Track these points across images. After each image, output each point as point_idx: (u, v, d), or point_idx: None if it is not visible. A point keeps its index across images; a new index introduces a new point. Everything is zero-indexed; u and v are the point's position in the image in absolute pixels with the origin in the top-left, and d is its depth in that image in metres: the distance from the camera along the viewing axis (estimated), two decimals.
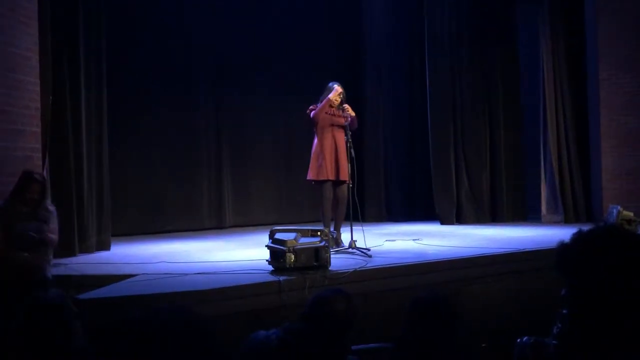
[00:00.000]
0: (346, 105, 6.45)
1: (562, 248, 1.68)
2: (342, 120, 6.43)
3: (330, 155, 6.38)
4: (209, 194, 9.15)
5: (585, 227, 1.70)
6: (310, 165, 6.48)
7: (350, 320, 2.75)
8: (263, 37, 9.48)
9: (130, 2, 8.42)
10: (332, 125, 6.45)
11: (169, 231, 8.57)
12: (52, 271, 5.25)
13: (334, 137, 6.42)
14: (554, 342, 1.73)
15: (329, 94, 6.45)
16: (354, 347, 2.84)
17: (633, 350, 1.56)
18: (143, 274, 5.14)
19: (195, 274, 5.10)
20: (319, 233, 5.14)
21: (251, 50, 9.39)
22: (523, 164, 9.73)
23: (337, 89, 6.47)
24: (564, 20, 9.14)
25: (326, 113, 6.44)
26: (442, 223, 9.27)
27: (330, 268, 5.07)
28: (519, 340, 1.86)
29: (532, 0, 9.54)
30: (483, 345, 3.08)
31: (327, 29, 10.10)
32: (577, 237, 1.67)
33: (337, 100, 6.44)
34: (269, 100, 9.56)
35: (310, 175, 6.46)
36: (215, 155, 9.19)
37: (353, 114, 6.44)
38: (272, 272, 5.01)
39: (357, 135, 10.12)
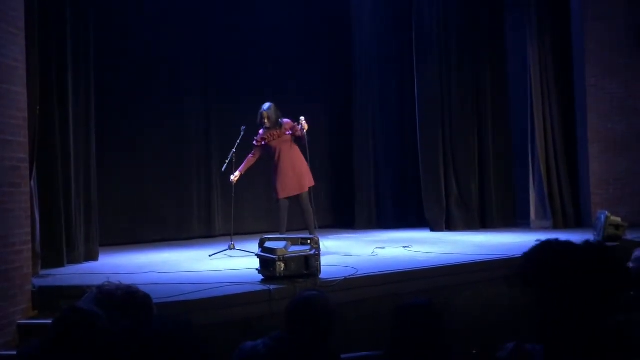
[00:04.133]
0: (302, 119, 6.89)
1: (524, 262, 1.75)
2: (284, 138, 6.96)
3: (275, 174, 6.99)
4: (199, 202, 9.12)
5: (538, 239, 1.79)
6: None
7: (329, 316, 2.75)
8: (253, 43, 9.49)
9: (118, 11, 8.41)
10: (274, 146, 7.00)
11: (159, 240, 8.53)
12: (41, 282, 5.22)
13: (279, 155, 6.97)
14: (538, 347, 1.75)
15: (258, 119, 7.03)
16: (343, 356, 2.84)
17: (609, 352, 1.58)
18: (132, 284, 5.10)
19: (185, 283, 5.07)
20: (309, 241, 5.13)
21: (241, 57, 9.40)
22: (512, 170, 9.77)
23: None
24: (551, 26, 9.21)
25: (263, 142, 7.02)
26: (432, 230, 9.29)
27: (320, 276, 5.06)
28: (501, 346, 1.88)
29: (519, 6, 9.61)
30: (474, 351, 3.09)
31: (317, 37, 10.13)
32: (528, 257, 1.74)
33: (265, 124, 6.98)
34: (259, 107, 9.54)
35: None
36: (204, 163, 9.17)
37: (306, 127, 6.86)
38: (262, 281, 5.00)
39: (347, 142, 10.23)
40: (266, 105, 7.08)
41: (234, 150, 7.04)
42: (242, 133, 7.10)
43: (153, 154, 8.77)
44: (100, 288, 2.52)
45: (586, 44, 8.93)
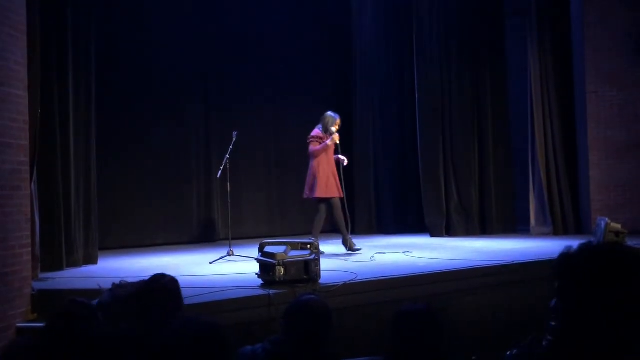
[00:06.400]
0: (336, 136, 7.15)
1: (567, 256, 1.67)
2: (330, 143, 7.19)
3: (327, 175, 7.10)
4: (199, 206, 9.13)
5: (587, 241, 1.70)
6: (317, 184, 7.07)
7: (327, 320, 2.75)
8: (254, 50, 9.51)
9: (119, 14, 8.44)
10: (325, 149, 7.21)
11: (159, 244, 8.53)
12: (40, 285, 5.22)
13: (329, 158, 7.20)
14: (541, 351, 1.73)
15: (332, 122, 7.16)
16: None
17: None
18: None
19: (184, 287, 5.05)
20: (308, 246, 5.13)
21: (241, 61, 9.42)
22: (512, 176, 9.76)
23: (335, 134, 7.17)
24: (551, 33, 9.22)
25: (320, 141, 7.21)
26: (432, 235, 9.28)
27: (320, 281, 5.06)
28: (508, 352, 1.85)
29: (520, 13, 9.62)
30: (473, 357, 3.08)
31: (318, 43, 10.15)
32: (584, 249, 1.66)
33: (337, 129, 7.21)
34: (260, 112, 9.57)
35: (319, 194, 7.09)
36: (205, 167, 9.18)
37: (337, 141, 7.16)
38: (261, 286, 5.00)
39: (347, 146, 10.21)
40: (334, 112, 7.28)
41: (227, 156, 7.05)
42: (234, 138, 7.14)
43: (153, 158, 8.78)
44: (122, 280, 2.53)
45: (586, 51, 8.94)
